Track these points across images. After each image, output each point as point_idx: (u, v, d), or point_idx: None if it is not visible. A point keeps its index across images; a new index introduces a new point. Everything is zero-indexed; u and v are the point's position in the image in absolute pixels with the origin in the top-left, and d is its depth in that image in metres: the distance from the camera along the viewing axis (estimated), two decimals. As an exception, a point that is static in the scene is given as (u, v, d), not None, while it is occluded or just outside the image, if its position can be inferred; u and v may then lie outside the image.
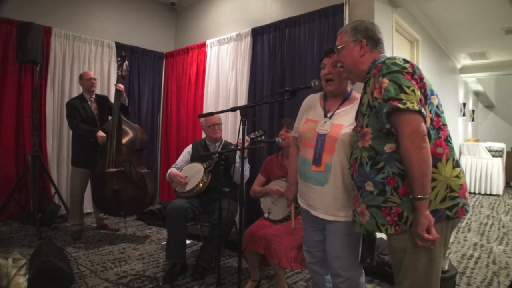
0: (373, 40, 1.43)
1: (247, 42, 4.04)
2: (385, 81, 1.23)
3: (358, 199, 1.36)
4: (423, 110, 1.18)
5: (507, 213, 5.04)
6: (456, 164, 1.25)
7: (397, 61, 1.25)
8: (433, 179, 1.20)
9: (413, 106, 1.17)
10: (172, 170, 2.94)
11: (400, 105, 1.17)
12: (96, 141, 3.36)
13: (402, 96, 1.19)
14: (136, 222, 4.14)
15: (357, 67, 1.44)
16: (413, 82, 1.22)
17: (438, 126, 1.26)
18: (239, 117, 1.94)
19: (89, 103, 3.49)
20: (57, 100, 4.20)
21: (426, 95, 1.25)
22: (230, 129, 4.07)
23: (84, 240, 3.38)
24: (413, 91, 1.20)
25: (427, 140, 1.17)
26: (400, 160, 1.23)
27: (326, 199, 1.57)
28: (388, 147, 1.26)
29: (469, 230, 4.07)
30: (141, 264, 2.84)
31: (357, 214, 1.39)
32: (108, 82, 4.63)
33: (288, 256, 2.10)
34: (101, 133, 3.33)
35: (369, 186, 1.30)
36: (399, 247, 1.27)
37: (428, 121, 1.23)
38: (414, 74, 1.24)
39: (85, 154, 3.44)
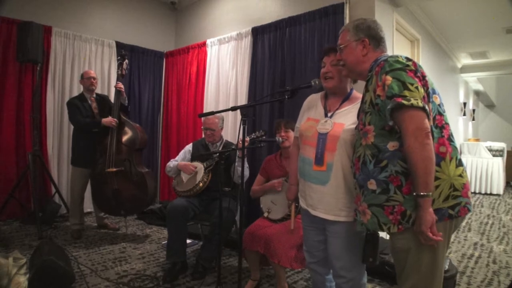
0: (376, 39, 1.43)
1: (247, 42, 4.03)
2: (388, 79, 1.23)
3: (360, 198, 1.36)
4: (426, 107, 1.18)
5: (507, 213, 5.04)
6: (459, 163, 1.25)
7: (400, 59, 1.25)
8: (437, 178, 1.20)
9: (417, 102, 1.17)
10: (176, 163, 2.94)
11: (405, 102, 1.17)
12: (100, 137, 3.36)
13: (406, 93, 1.19)
14: (136, 221, 4.14)
15: (359, 66, 1.44)
16: (416, 79, 1.22)
17: (441, 125, 1.26)
18: (239, 117, 1.94)
19: (89, 102, 3.49)
20: (58, 99, 4.20)
21: (428, 93, 1.25)
22: (230, 129, 4.07)
23: (85, 240, 3.38)
24: (416, 88, 1.20)
25: (431, 137, 1.17)
26: (403, 159, 1.22)
27: (326, 198, 1.57)
28: (391, 145, 1.26)
29: (469, 230, 4.07)
30: (142, 263, 2.84)
31: (358, 213, 1.38)
32: (108, 81, 4.63)
33: (288, 255, 2.10)
34: (107, 118, 3.33)
35: (372, 185, 1.29)
36: (402, 247, 1.27)
37: (431, 120, 1.23)
38: (417, 71, 1.24)
39: (85, 154, 3.44)
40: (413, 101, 1.17)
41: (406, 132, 1.18)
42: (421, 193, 1.16)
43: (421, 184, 1.16)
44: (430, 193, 1.16)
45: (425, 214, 1.16)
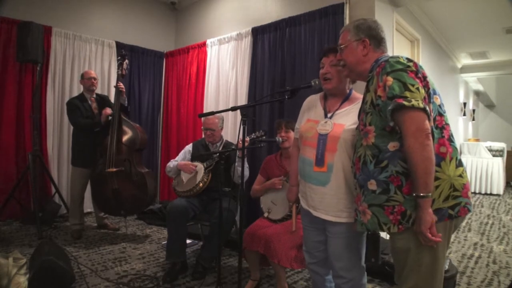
0: (376, 39, 1.43)
1: (247, 42, 4.03)
2: (389, 79, 1.23)
3: (360, 198, 1.36)
4: (427, 108, 1.19)
5: (507, 213, 5.04)
6: (459, 163, 1.25)
7: (401, 60, 1.25)
8: (437, 178, 1.20)
9: (418, 103, 1.17)
10: (176, 163, 2.94)
11: (405, 103, 1.17)
12: (100, 137, 3.36)
13: (407, 93, 1.19)
14: (136, 221, 4.14)
15: (360, 66, 1.44)
16: (417, 80, 1.22)
17: (441, 126, 1.26)
18: (239, 117, 1.94)
19: (89, 102, 3.49)
20: (58, 99, 4.20)
21: (429, 94, 1.25)
22: (230, 129, 4.07)
23: (85, 240, 3.38)
24: (417, 89, 1.20)
25: (431, 138, 1.18)
26: (404, 159, 1.22)
27: (327, 199, 1.57)
28: (392, 146, 1.26)
29: (469, 230, 4.07)
30: (142, 263, 2.84)
31: (358, 213, 1.38)
32: (108, 81, 4.63)
33: (288, 255, 2.10)
34: (102, 115, 3.34)
35: (372, 185, 1.30)
36: (402, 247, 1.27)
37: (431, 120, 1.23)
38: (418, 72, 1.24)
39: (85, 154, 3.44)
40: (413, 102, 1.17)
41: (406, 132, 1.18)
42: (421, 194, 1.16)
43: (421, 185, 1.16)
44: (430, 194, 1.17)
45: (425, 215, 1.17)
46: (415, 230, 1.21)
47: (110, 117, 3.38)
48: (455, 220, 1.25)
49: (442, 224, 1.22)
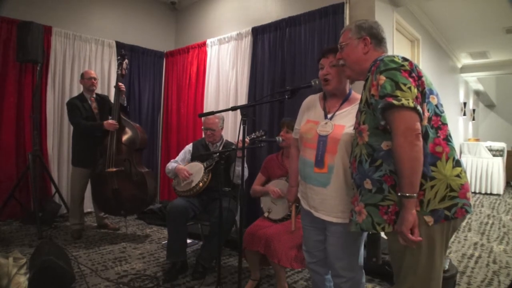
0: (377, 39, 1.43)
1: (247, 41, 4.03)
2: (382, 78, 1.22)
3: (357, 197, 1.36)
4: (418, 107, 1.18)
5: (507, 213, 5.04)
6: (457, 164, 1.23)
7: (395, 59, 1.25)
8: (432, 178, 1.19)
9: (408, 102, 1.16)
10: (175, 164, 2.94)
11: (395, 102, 1.17)
12: (100, 137, 3.36)
13: (398, 93, 1.18)
14: (136, 221, 4.14)
15: (360, 64, 1.44)
16: (410, 79, 1.21)
17: (437, 125, 1.25)
18: (239, 117, 1.94)
19: (89, 102, 3.49)
20: (58, 99, 4.20)
21: (424, 94, 1.24)
22: (230, 129, 4.07)
23: (85, 240, 3.38)
24: (409, 88, 1.19)
25: (421, 138, 1.17)
26: None
27: (328, 200, 1.57)
28: (385, 145, 1.25)
29: (469, 230, 4.07)
30: (142, 263, 2.84)
31: (354, 213, 1.38)
32: (108, 81, 4.63)
33: (288, 255, 2.10)
34: (108, 121, 3.32)
35: (368, 184, 1.29)
36: (398, 248, 1.26)
37: (426, 120, 1.22)
38: (412, 72, 1.23)
39: (85, 154, 3.44)
40: (403, 101, 1.16)
41: (396, 131, 1.18)
42: (407, 194, 1.16)
43: (407, 185, 1.15)
44: (415, 194, 1.16)
45: (408, 215, 1.16)
46: (396, 229, 1.20)
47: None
48: (452, 222, 1.23)
49: (438, 226, 1.20)
